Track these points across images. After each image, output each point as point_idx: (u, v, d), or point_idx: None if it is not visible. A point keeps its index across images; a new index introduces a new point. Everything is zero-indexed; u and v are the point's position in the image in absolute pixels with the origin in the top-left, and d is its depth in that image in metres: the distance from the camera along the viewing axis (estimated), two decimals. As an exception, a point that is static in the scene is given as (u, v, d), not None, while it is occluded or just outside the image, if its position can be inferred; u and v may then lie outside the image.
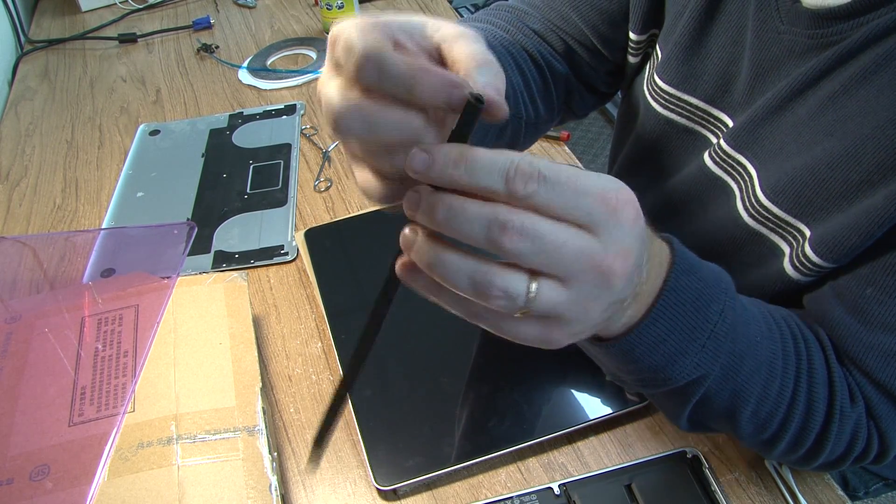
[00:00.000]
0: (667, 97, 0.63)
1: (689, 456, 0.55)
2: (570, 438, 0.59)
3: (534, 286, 0.32)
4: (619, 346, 0.40)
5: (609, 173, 0.44)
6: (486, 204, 0.31)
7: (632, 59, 0.69)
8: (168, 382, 0.58)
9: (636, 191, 0.34)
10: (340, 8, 1.16)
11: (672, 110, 0.63)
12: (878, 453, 0.49)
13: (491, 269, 0.32)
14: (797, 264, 0.51)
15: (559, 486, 0.54)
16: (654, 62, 0.66)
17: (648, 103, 0.65)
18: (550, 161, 0.31)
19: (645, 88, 0.66)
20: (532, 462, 0.58)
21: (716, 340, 0.42)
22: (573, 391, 0.61)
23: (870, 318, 0.47)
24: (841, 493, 0.54)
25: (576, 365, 0.63)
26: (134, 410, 0.56)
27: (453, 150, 0.31)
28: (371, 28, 0.34)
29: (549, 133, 0.89)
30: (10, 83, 1.19)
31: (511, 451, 0.57)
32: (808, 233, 0.51)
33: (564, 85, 0.73)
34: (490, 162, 0.31)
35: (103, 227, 0.85)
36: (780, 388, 0.46)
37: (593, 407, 0.59)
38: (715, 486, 0.53)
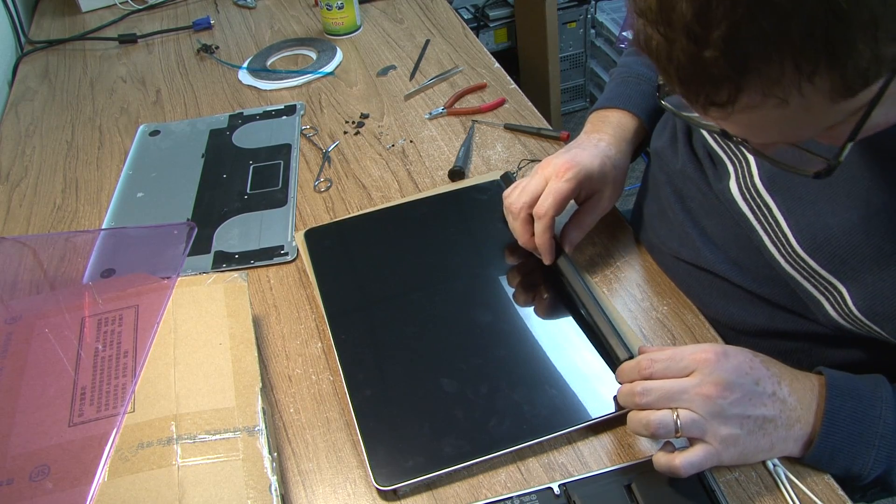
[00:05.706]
0: None
1: (689, 456, 0.55)
2: (570, 438, 0.59)
3: (676, 414, 0.51)
4: (806, 461, 0.54)
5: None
6: (628, 385, 0.55)
7: None
8: (168, 382, 0.58)
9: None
10: (340, 8, 1.16)
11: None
12: None
13: (650, 413, 0.52)
14: (844, 315, 0.55)
15: (559, 486, 0.54)
16: None
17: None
18: (662, 348, 0.56)
19: None
20: (532, 462, 0.58)
21: (884, 439, 0.52)
22: (573, 391, 0.61)
23: None
24: (841, 492, 0.54)
25: (576, 365, 0.63)
26: (134, 411, 0.56)
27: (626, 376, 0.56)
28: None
29: (549, 133, 0.89)
30: (10, 83, 1.19)
31: (511, 451, 0.57)
32: (843, 289, 0.54)
33: None
34: (630, 368, 0.56)
35: (103, 227, 0.85)
36: None
37: (593, 407, 0.59)
38: (715, 486, 0.53)
